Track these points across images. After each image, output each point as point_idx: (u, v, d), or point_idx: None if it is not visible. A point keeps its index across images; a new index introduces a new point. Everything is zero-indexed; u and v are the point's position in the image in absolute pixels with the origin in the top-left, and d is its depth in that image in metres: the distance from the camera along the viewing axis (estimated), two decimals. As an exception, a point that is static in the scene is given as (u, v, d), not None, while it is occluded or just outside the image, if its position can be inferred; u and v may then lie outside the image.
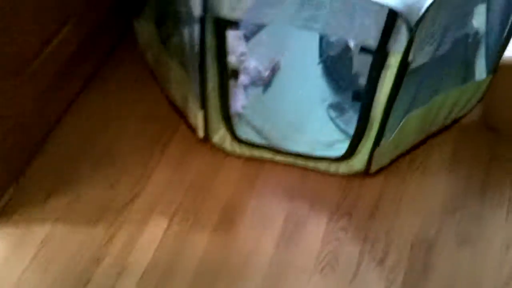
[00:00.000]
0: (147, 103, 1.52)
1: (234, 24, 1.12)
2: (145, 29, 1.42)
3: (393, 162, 1.42)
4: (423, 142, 1.45)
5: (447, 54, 1.29)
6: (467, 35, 1.40)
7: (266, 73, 1.56)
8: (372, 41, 1.07)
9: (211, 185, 1.40)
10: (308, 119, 1.35)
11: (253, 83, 1.55)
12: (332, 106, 1.47)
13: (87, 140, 1.45)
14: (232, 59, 1.44)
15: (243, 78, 1.54)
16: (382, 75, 1.12)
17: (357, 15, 1.03)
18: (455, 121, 1.48)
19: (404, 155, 1.44)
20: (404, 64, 1.09)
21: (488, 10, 1.32)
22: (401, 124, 1.28)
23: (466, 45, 1.39)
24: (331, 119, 1.43)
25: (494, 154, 1.47)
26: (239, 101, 1.50)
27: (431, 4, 1.01)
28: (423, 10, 1.01)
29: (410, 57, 1.08)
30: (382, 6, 1.00)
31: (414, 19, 1.02)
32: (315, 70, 1.52)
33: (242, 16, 1.10)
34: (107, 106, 1.51)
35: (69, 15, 1.35)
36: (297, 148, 1.35)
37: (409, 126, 1.32)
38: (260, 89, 1.50)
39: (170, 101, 1.50)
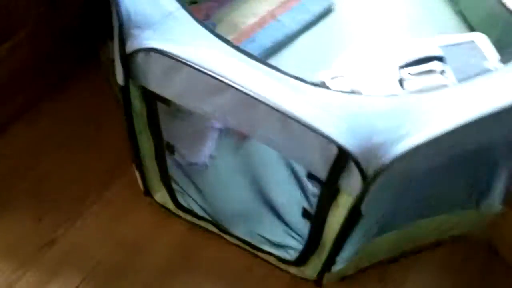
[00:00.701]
0: (105, 133, 1.32)
1: (166, 101, 0.88)
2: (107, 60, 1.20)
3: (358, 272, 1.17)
4: (402, 256, 1.19)
5: (450, 165, 0.98)
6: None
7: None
8: (320, 171, 0.81)
9: (144, 247, 1.21)
10: (262, 213, 1.09)
11: (227, 131, 1.30)
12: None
13: (28, 160, 1.29)
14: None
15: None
16: (331, 210, 0.87)
17: (300, 137, 0.77)
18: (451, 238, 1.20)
19: (374, 267, 1.18)
20: (355, 212, 0.83)
21: None
22: (366, 246, 1.02)
23: (487, 154, 1.07)
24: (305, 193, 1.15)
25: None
26: (206, 150, 1.26)
27: (400, 156, 0.74)
28: (387, 159, 0.74)
29: (363, 209, 0.81)
30: (329, 140, 0.74)
31: (373, 165, 0.75)
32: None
33: (174, 99, 0.86)
34: (58, 129, 1.33)
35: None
36: (244, 237, 1.12)
37: (379, 247, 1.06)
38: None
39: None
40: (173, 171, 1.08)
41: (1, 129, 1.29)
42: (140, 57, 0.82)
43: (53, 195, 1.24)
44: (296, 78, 0.78)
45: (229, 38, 1.31)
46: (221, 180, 1.05)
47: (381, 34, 1.34)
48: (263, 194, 1.01)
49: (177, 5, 0.82)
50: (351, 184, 0.78)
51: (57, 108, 1.36)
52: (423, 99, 0.77)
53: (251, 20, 1.34)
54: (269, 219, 1.03)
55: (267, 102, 0.75)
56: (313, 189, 0.88)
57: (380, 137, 0.74)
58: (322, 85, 1.15)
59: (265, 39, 1.31)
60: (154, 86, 0.86)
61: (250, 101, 0.76)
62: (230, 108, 0.80)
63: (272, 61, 1.29)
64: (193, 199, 1.13)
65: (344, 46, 1.31)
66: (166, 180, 1.10)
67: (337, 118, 0.74)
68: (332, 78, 1.14)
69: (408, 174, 0.79)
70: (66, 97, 1.37)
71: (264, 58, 1.28)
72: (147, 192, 1.18)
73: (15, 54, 1.20)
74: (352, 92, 1.12)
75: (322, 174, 0.81)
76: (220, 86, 0.77)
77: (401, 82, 1.11)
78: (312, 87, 0.77)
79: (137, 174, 1.14)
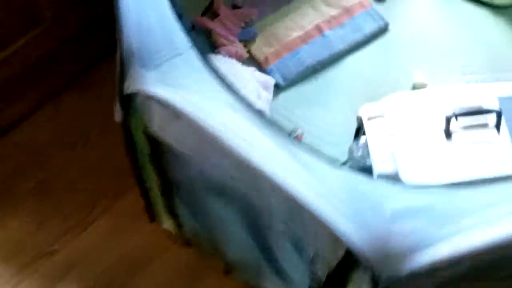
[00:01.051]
0: (117, 140, 1.23)
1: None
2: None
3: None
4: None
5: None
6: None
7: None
8: (327, 261, 0.70)
9: (145, 267, 1.14)
10: (268, 272, 0.98)
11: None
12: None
13: (33, 160, 1.23)
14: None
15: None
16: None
17: (306, 221, 0.66)
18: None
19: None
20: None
21: None
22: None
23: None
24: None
25: None
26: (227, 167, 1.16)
27: (421, 269, 0.61)
28: (405, 270, 0.61)
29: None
30: (338, 236, 0.62)
31: (388, 271, 0.64)
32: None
33: (173, 144, 0.77)
34: (66, 132, 1.27)
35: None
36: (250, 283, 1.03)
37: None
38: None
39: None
40: (179, 211, 0.98)
41: (7, 129, 1.25)
42: (141, 97, 0.72)
43: (57, 201, 1.19)
44: (312, 150, 0.66)
45: (270, 50, 1.20)
46: (228, 228, 0.95)
47: (437, 65, 1.18)
48: (270, 254, 0.91)
49: (188, 45, 0.71)
50: (361, 285, 0.66)
51: (67, 109, 1.29)
52: (457, 197, 0.64)
53: (296, 33, 1.22)
54: (274, 279, 0.93)
55: (271, 177, 0.64)
56: (319, 271, 0.77)
57: (399, 241, 0.62)
58: (359, 122, 1.02)
59: (308, 56, 1.19)
60: (155, 127, 0.77)
61: (250, 171, 0.66)
62: (230, 170, 0.70)
63: (315, 83, 1.16)
64: (200, 237, 1.04)
65: (397, 74, 1.17)
66: (174, 215, 1.01)
67: (350, 209, 0.63)
68: (369, 119, 1.01)
69: (432, 282, 0.67)
70: (76, 99, 1.30)
71: (304, 76, 1.17)
72: (153, 219, 1.09)
73: (18, 56, 1.15)
74: (391, 136, 0.99)
75: (331, 260, 0.70)
76: (221, 148, 0.67)
77: (447, 133, 0.97)
78: (328, 166, 0.65)
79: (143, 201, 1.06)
